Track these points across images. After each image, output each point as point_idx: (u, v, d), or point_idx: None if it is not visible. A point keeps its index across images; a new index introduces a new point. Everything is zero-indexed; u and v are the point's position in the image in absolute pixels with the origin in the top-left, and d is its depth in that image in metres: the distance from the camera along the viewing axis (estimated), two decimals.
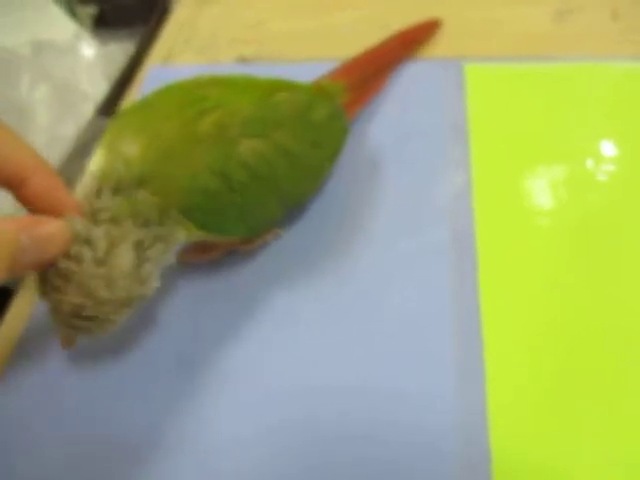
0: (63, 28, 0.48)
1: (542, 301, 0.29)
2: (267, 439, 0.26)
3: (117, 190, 0.24)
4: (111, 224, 0.23)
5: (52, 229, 0.22)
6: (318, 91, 0.32)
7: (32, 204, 0.23)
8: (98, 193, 0.24)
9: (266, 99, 0.29)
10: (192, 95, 0.28)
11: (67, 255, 0.22)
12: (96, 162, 0.25)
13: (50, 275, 0.23)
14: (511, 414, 0.25)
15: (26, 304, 0.32)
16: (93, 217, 0.23)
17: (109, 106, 0.42)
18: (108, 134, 0.26)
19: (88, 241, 0.23)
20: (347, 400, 0.26)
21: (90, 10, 0.54)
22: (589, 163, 0.34)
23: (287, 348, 0.29)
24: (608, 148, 0.34)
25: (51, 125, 0.39)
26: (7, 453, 0.27)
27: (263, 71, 0.32)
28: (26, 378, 0.29)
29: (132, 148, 0.24)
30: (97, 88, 0.46)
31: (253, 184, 0.27)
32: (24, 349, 0.30)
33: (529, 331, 0.28)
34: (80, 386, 0.28)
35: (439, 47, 0.43)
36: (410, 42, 0.41)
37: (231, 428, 0.26)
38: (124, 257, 0.23)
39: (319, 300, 0.30)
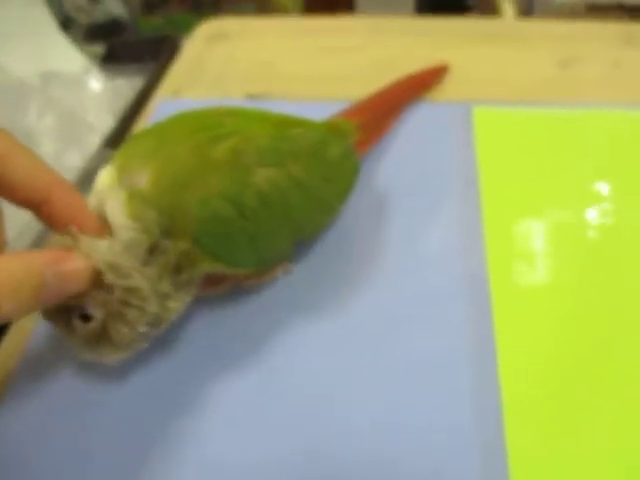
0: (72, 61, 0.48)
1: (556, 333, 0.28)
2: (269, 474, 0.25)
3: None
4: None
5: (76, 266, 0.21)
6: (332, 129, 0.32)
7: (53, 221, 0.23)
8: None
9: (282, 131, 0.29)
10: (207, 121, 0.27)
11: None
12: (104, 181, 0.24)
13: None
14: (530, 447, 0.25)
15: (26, 323, 0.30)
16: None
17: (116, 138, 0.42)
18: (120, 154, 0.26)
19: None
20: (358, 438, 0.25)
21: (98, 49, 0.55)
22: (592, 206, 0.34)
23: (295, 383, 0.27)
24: (611, 191, 0.35)
25: (57, 154, 0.38)
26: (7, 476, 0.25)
27: (272, 108, 0.32)
28: (27, 401, 0.27)
29: (144, 172, 0.24)
30: (103, 121, 0.46)
31: (265, 213, 0.26)
32: (25, 370, 0.28)
33: (545, 364, 0.27)
34: (82, 410, 0.27)
35: (447, 90, 0.43)
36: (419, 85, 0.41)
37: (232, 459, 0.25)
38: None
39: (329, 335, 0.29)
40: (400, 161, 0.38)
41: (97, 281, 0.22)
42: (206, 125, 0.27)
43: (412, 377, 0.27)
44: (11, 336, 0.30)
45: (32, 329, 0.30)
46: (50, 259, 0.20)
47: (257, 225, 0.26)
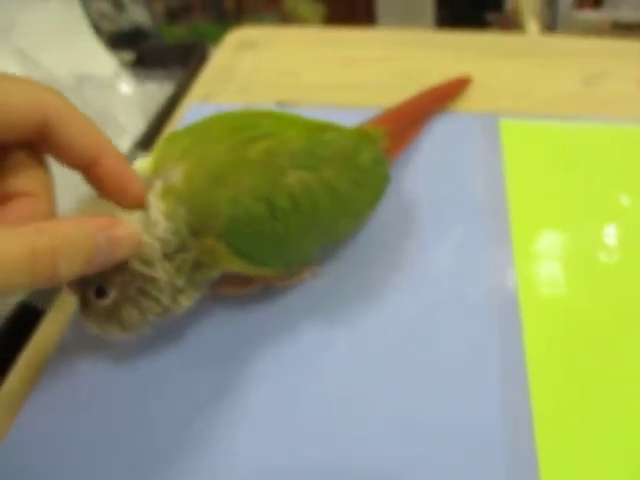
0: (104, 64, 0.49)
1: (584, 337, 0.29)
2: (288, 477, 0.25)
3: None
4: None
5: (126, 232, 0.22)
6: (362, 135, 0.33)
7: (101, 184, 0.24)
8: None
9: (315, 135, 0.29)
10: (243, 122, 0.28)
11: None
12: (140, 169, 0.25)
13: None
14: (560, 451, 0.25)
15: (55, 326, 0.31)
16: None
17: (147, 141, 0.42)
18: (157, 150, 0.26)
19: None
20: (382, 441, 0.26)
21: (127, 56, 0.56)
22: (619, 220, 0.34)
23: (318, 385, 0.28)
24: (636, 206, 0.35)
25: None
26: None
27: (301, 113, 0.32)
28: (56, 400, 0.28)
29: (178, 168, 0.25)
30: (134, 123, 0.46)
31: (295, 215, 0.27)
32: (53, 371, 0.29)
33: (573, 368, 0.28)
34: (110, 405, 0.27)
35: (471, 102, 0.44)
36: (444, 96, 0.42)
37: (253, 463, 0.25)
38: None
39: (352, 340, 0.29)
40: (427, 170, 0.38)
41: (121, 263, 0.23)
42: (242, 126, 0.28)
43: (438, 382, 0.27)
44: (43, 328, 0.31)
45: (64, 322, 0.31)
46: (103, 224, 0.21)
47: (286, 226, 0.26)
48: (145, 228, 0.24)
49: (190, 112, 0.44)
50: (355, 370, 0.28)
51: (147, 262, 0.24)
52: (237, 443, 0.26)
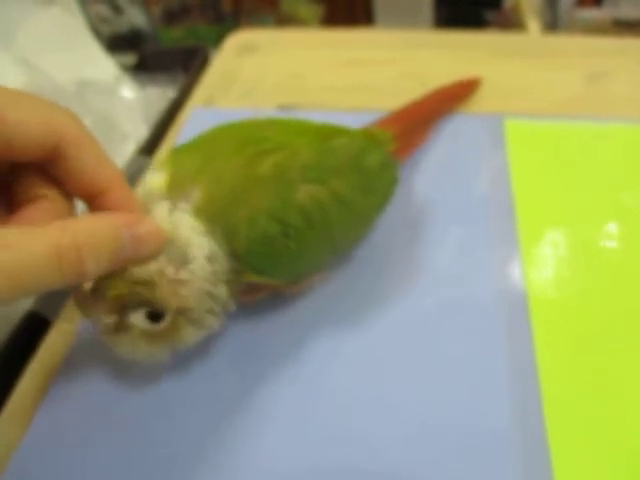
0: (105, 69, 0.49)
1: (595, 336, 0.29)
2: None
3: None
4: None
5: (149, 229, 0.22)
6: (369, 137, 0.32)
7: None
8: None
9: (324, 143, 0.29)
10: (251, 134, 0.28)
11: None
12: (153, 187, 0.25)
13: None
14: (573, 449, 0.25)
15: (63, 336, 0.31)
16: None
17: (150, 146, 0.42)
18: (167, 164, 0.26)
19: None
20: (394, 447, 0.25)
21: (127, 59, 0.56)
22: (625, 218, 0.34)
23: (330, 392, 0.28)
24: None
25: None
26: None
27: (305, 117, 0.32)
28: (68, 410, 0.28)
29: (195, 187, 0.25)
30: (136, 128, 0.46)
31: (307, 231, 0.26)
32: (63, 381, 0.29)
33: (585, 366, 0.28)
34: (122, 412, 0.27)
35: (475, 103, 0.44)
36: (453, 97, 0.42)
37: (265, 468, 0.25)
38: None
39: (365, 344, 0.29)
40: (432, 171, 0.38)
41: (178, 284, 0.23)
42: (250, 139, 0.27)
43: (449, 383, 0.27)
44: (53, 336, 0.31)
45: (72, 332, 0.31)
46: (127, 220, 0.21)
47: (299, 243, 0.26)
48: (188, 248, 0.23)
49: (193, 117, 0.44)
50: (365, 373, 0.28)
51: (212, 281, 0.24)
52: (249, 449, 0.26)
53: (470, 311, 0.30)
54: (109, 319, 0.23)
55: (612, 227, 0.34)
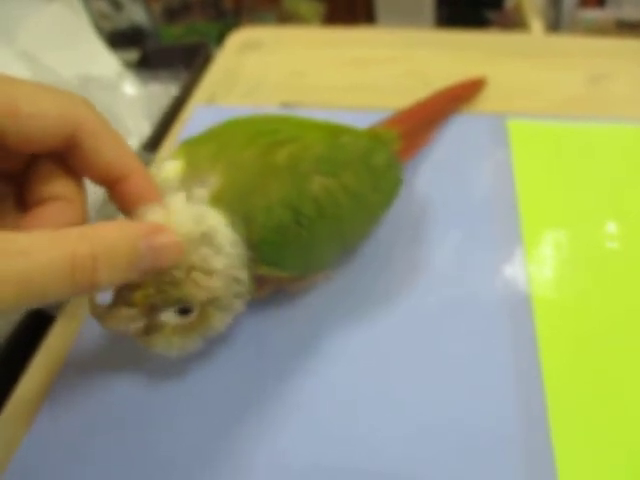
0: (108, 65, 0.49)
1: (599, 337, 0.29)
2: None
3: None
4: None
5: (169, 239, 0.21)
6: (375, 137, 0.33)
7: (125, 202, 0.23)
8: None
9: (334, 139, 0.29)
10: (263, 127, 0.28)
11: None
12: (169, 174, 0.25)
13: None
14: (577, 452, 0.25)
15: (67, 332, 0.31)
16: None
17: (154, 142, 0.42)
18: (181, 153, 0.26)
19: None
20: (397, 445, 0.26)
21: (127, 56, 0.55)
22: (628, 219, 0.34)
23: (334, 390, 0.28)
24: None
25: None
26: None
27: (308, 116, 0.32)
28: (71, 407, 0.28)
29: (211, 175, 0.25)
30: (139, 124, 0.46)
31: (319, 221, 0.27)
32: (64, 381, 0.29)
33: (589, 366, 0.28)
34: (127, 409, 0.27)
35: (478, 103, 0.44)
36: (458, 97, 0.42)
37: (269, 464, 0.25)
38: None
39: (369, 342, 0.29)
40: (436, 171, 0.38)
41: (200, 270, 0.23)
42: (263, 131, 0.28)
43: (453, 382, 0.27)
44: (55, 335, 0.31)
45: (75, 329, 0.31)
46: (146, 231, 0.20)
47: (311, 233, 0.26)
48: (207, 234, 0.23)
49: (196, 114, 0.44)
50: (368, 372, 0.28)
51: (237, 265, 0.24)
52: (251, 446, 0.26)
53: (473, 311, 0.30)
54: (138, 323, 0.23)
55: (615, 227, 0.34)
